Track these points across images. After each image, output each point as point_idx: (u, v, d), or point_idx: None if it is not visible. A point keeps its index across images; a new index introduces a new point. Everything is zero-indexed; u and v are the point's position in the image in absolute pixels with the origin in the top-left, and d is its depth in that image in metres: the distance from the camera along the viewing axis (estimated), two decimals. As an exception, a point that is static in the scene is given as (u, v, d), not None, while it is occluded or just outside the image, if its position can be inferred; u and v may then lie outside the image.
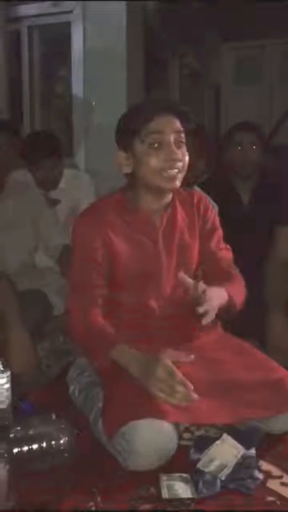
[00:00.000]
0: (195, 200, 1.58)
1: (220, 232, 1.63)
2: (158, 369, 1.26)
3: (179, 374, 1.26)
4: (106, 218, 1.47)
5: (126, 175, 1.50)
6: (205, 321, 1.34)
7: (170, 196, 1.52)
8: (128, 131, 1.43)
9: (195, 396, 1.24)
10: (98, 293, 1.46)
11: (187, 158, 1.45)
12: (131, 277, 1.49)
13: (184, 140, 1.44)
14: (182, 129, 1.44)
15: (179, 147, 1.42)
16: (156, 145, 1.40)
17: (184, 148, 1.44)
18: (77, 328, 1.46)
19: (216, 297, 1.39)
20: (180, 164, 1.42)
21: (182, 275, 1.41)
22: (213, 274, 1.60)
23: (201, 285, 1.36)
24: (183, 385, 1.25)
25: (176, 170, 1.42)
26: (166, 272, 1.51)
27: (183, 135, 1.44)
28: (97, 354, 1.40)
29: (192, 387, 1.25)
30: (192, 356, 1.32)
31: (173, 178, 1.42)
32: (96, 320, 1.42)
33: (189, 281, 1.40)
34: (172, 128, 1.41)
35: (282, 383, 1.36)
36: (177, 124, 1.43)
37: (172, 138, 1.41)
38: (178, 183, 1.44)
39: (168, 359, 1.28)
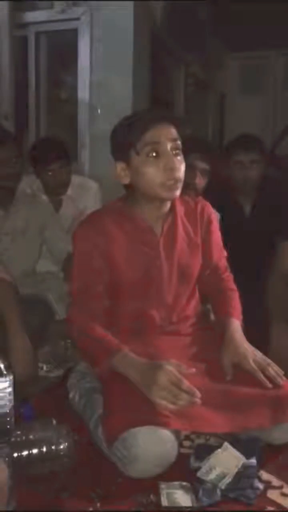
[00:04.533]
0: (199, 209, 1.58)
1: (220, 242, 1.64)
2: (161, 376, 1.26)
3: (185, 381, 1.26)
4: (105, 228, 1.47)
5: (125, 186, 1.50)
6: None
7: (169, 204, 1.51)
8: (123, 143, 1.42)
9: (198, 401, 1.25)
10: (98, 302, 1.46)
11: (183, 166, 1.43)
12: (131, 286, 1.49)
13: (180, 148, 1.43)
14: (177, 137, 1.42)
15: (175, 155, 1.41)
16: (153, 154, 1.39)
17: (181, 157, 1.43)
18: (78, 337, 1.47)
19: (251, 350, 1.46)
20: (178, 173, 1.40)
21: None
22: (214, 284, 1.63)
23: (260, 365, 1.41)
24: (190, 393, 1.25)
25: (174, 180, 1.40)
26: (167, 280, 1.51)
27: (179, 143, 1.42)
28: (98, 362, 1.40)
29: (199, 394, 1.25)
30: (194, 370, 1.33)
31: (172, 188, 1.41)
32: (96, 330, 1.42)
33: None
34: (168, 137, 1.39)
35: (282, 393, 1.35)
36: (173, 132, 1.41)
37: (168, 147, 1.39)
38: (177, 192, 1.43)
39: (171, 367, 1.28)
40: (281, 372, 1.39)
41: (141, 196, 1.47)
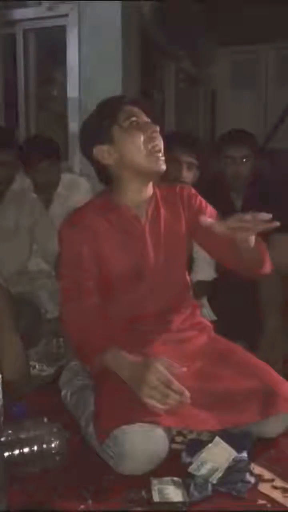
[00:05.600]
0: (177, 190, 1.58)
1: (213, 212, 1.59)
2: (150, 375, 1.25)
3: (175, 382, 1.25)
4: (89, 222, 1.47)
5: (105, 179, 1.50)
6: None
7: (151, 189, 1.52)
8: (105, 123, 1.44)
9: (188, 400, 1.24)
10: (88, 297, 1.46)
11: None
12: (121, 276, 1.48)
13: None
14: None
15: None
16: (135, 123, 1.43)
17: None
18: (70, 334, 1.47)
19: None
20: (159, 139, 1.43)
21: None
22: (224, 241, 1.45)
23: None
24: (179, 393, 1.24)
25: (158, 147, 1.43)
26: (155, 265, 1.50)
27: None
28: (89, 359, 1.40)
29: (188, 394, 1.25)
30: (184, 369, 1.32)
31: (158, 158, 1.42)
32: (88, 326, 1.41)
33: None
34: (141, 113, 1.46)
35: (270, 385, 1.36)
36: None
37: (145, 119, 1.45)
38: (163, 165, 1.44)
39: (161, 366, 1.28)
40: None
41: (125, 178, 1.46)
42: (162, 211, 1.53)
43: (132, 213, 1.50)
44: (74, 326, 1.44)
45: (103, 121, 1.44)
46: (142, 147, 1.42)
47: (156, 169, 1.44)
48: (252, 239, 1.34)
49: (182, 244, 1.56)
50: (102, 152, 1.45)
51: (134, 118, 1.43)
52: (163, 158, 1.44)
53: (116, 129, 1.43)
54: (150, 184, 1.52)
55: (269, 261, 1.51)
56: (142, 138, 1.42)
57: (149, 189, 1.52)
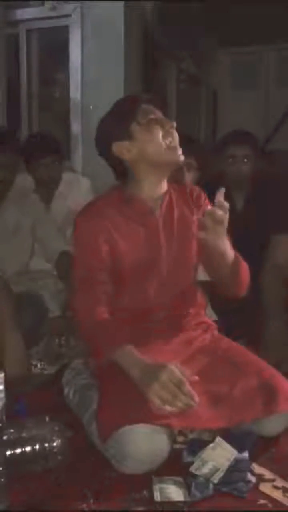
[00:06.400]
0: (188, 190, 1.61)
1: None
2: (163, 376, 1.25)
3: (188, 385, 1.25)
4: (105, 214, 1.48)
5: (120, 172, 1.52)
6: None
7: (166, 184, 1.54)
8: (123, 121, 1.46)
9: (194, 405, 1.24)
10: (102, 289, 1.46)
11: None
12: (133, 268, 1.48)
13: None
14: None
15: None
16: (153, 121, 1.46)
17: None
18: (83, 326, 1.46)
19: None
20: (176, 137, 1.47)
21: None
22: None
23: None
24: (189, 397, 1.24)
25: (175, 143, 1.46)
26: (167, 259, 1.51)
27: None
28: (100, 351, 1.39)
29: (197, 400, 1.24)
30: (196, 378, 1.31)
31: (176, 151, 1.46)
32: (101, 318, 1.41)
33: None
34: (157, 111, 1.50)
35: (271, 384, 1.36)
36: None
37: (162, 116, 1.49)
38: (182, 157, 1.48)
39: (176, 369, 1.27)
40: None
41: (142, 172, 1.48)
42: (175, 207, 1.55)
43: (147, 206, 1.51)
44: (86, 316, 1.44)
45: (122, 119, 1.47)
46: (161, 142, 1.46)
47: (175, 159, 1.47)
48: (228, 254, 1.39)
49: (193, 240, 1.56)
50: (121, 148, 1.47)
51: (152, 115, 1.47)
52: (180, 150, 1.48)
53: (135, 126, 1.46)
54: (165, 180, 1.54)
55: (245, 284, 1.52)
56: (160, 134, 1.46)
57: (164, 185, 1.54)
